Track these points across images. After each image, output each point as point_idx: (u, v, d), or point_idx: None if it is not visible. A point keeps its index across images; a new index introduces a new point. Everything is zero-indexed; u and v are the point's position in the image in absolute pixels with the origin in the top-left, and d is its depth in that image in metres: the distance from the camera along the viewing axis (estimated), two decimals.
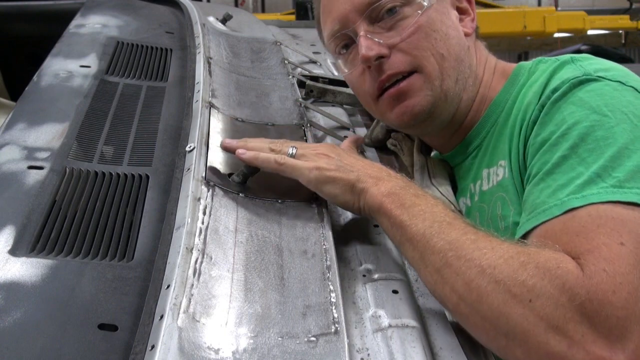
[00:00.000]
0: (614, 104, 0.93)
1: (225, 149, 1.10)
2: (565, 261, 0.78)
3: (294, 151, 1.03)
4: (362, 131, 1.45)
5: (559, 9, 12.54)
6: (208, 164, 1.05)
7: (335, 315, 0.81)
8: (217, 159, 1.08)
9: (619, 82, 0.96)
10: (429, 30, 1.10)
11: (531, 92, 1.05)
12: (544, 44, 10.89)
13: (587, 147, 0.89)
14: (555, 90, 0.98)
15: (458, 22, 1.17)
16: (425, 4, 1.11)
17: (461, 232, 0.86)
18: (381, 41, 1.11)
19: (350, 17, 1.13)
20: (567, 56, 1.06)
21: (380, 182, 0.97)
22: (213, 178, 1.03)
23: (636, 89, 0.96)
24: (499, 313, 0.78)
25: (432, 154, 1.30)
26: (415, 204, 0.92)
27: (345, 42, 1.18)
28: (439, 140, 1.25)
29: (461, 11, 1.19)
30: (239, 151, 1.05)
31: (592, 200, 0.84)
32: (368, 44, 1.10)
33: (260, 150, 1.05)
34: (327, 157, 1.01)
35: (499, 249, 0.82)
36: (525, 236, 0.89)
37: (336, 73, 1.69)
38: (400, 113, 1.13)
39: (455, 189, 1.22)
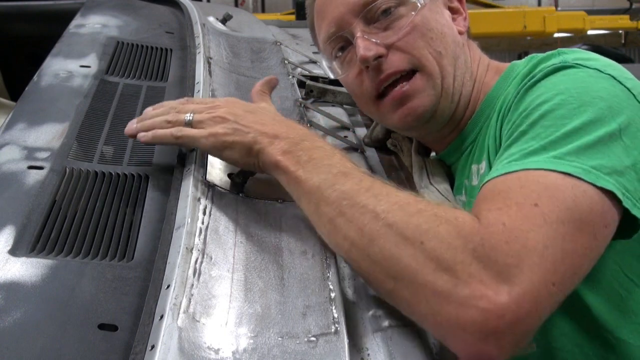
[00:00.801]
0: (584, 87, 0.92)
1: (129, 136, 1.07)
2: (464, 215, 0.79)
3: (191, 118, 1.01)
4: (362, 131, 1.45)
5: (559, 9, 12.52)
6: (208, 164, 1.05)
7: (335, 315, 0.81)
8: (217, 159, 1.08)
9: (596, 69, 0.96)
10: (424, 30, 1.12)
11: (515, 84, 1.06)
12: (544, 44, 10.87)
13: (544, 124, 0.89)
14: (531, 78, 0.98)
15: (451, 21, 1.18)
16: (419, 4, 1.12)
17: (356, 181, 0.86)
18: (378, 41, 1.11)
19: (346, 18, 1.14)
20: (555, 50, 1.07)
21: (275, 140, 0.96)
22: (213, 178, 1.03)
23: (614, 77, 0.95)
24: (390, 255, 0.78)
25: (431, 155, 1.31)
26: (312, 159, 0.92)
27: (342, 45, 1.18)
28: (435, 139, 1.25)
29: (453, 11, 1.21)
30: (139, 135, 1.03)
31: (527, 166, 0.84)
32: (366, 45, 1.11)
33: (158, 125, 1.03)
34: (223, 120, 1.00)
35: (395, 196, 0.83)
36: None
37: (332, 76, 1.69)
38: (403, 115, 1.13)
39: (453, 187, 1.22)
